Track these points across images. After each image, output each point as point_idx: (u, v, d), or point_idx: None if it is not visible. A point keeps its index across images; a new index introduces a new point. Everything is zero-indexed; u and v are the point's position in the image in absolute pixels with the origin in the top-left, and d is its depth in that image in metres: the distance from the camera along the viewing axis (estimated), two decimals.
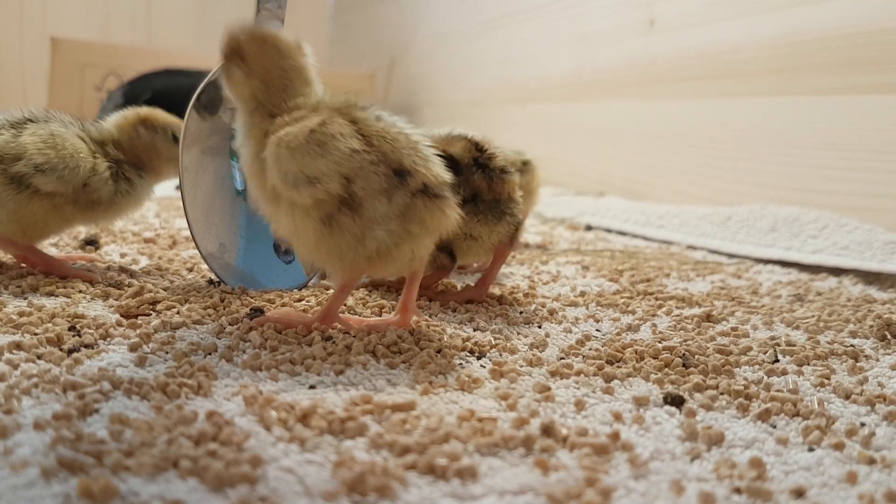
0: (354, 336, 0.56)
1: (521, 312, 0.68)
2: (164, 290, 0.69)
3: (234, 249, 0.73)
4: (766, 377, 0.53)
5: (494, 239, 0.70)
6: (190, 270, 0.78)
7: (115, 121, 0.75)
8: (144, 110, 0.76)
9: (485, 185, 0.69)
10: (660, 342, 0.60)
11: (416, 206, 0.54)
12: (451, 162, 0.63)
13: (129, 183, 0.73)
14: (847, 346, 0.61)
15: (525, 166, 0.97)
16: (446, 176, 0.56)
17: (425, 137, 0.57)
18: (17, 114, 0.71)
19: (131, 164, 0.74)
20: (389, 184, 0.53)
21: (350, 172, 0.53)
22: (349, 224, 0.53)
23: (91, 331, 0.55)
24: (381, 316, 0.64)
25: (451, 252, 0.70)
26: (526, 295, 0.74)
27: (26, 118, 0.71)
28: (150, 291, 0.67)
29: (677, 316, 0.69)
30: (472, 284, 0.73)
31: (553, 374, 0.52)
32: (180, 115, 0.73)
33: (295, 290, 0.71)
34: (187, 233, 1.03)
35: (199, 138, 0.72)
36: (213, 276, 0.72)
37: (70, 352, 0.51)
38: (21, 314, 0.58)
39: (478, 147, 0.70)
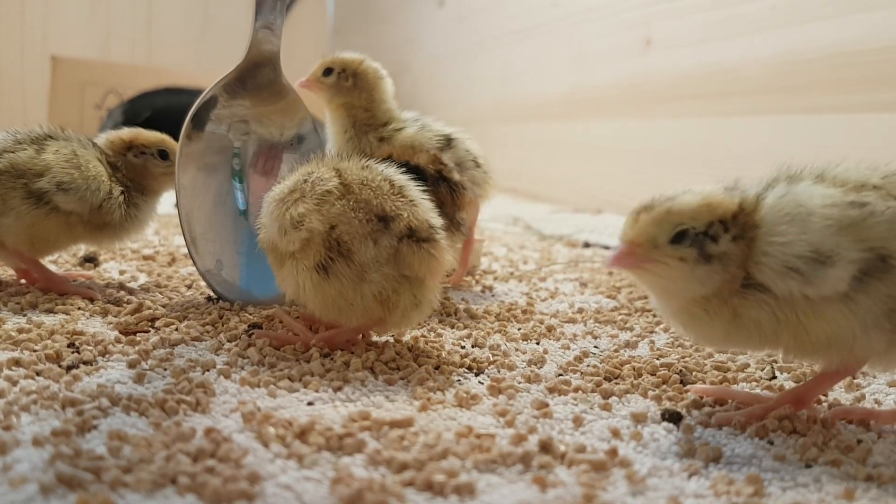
0: (352, 353, 0.56)
1: (519, 329, 0.68)
2: (163, 307, 0.69)
3: (233, 266, 0.72)
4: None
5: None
6: (189, 287, 0.78)
7: (104, 145, 0.75)
8: (127, 133, 0.77)
9: (449, 198, 0.73)
10: (658, 359, 0.60)
11: (403, 250, 0.54)
12: (417, 171, 0.69)
13: (137, 208, 0.74)
14: None
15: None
16: (434, 219, 0.57)
17: (412, 183, 0.58)
18: (38, 130, 0.72)
19: (136, 189, 0.75)
20: (373, 228, 0.55)
21: (331, 217, 0.54)
22: (343, 269, 0.54)
23: (90, 347, 0.55)
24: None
25: None
26: (524, 311, 0.74)
27: (47, 135, 0.72)
28: (149, 308, 0.67)
29: (675, 333, 0.69)
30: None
31: (551, 390, 0.52)
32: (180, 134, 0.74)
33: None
34: (186, 250, 1.03)
35: (195, 157, 0.72)
36: (212, 293, 0.72)
37: (69, 368, 0.51)
38: (20, 331, 0.59)
39: (441, 160, 0.74)
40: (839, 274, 0.42)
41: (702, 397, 0.51)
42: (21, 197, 0.68)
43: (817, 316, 0.43)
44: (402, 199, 0.56)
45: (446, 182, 0.74)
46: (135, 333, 0.60)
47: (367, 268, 0.54)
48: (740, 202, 0.46)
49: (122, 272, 0.84)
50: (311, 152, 0.71)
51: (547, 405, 0.48)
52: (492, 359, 0.58)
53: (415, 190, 0.58)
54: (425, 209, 0.57)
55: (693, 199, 0.45)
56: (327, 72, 0.82)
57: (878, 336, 0.43)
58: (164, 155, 0.75)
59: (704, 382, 0.55)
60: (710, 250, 0.44)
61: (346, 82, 0.82)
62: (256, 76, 0.74)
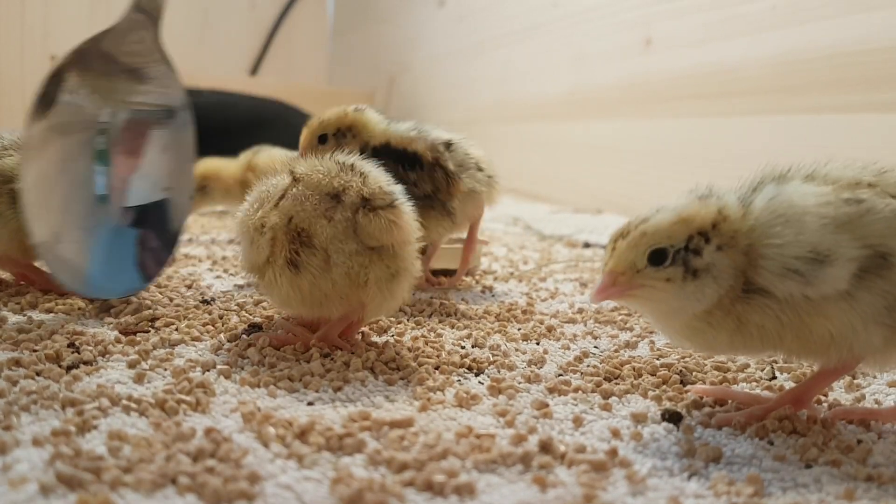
0: (352, 353, 0.56)
1: (519, 329, 0.68)
2: (163, 306, 0.69)
3: (72, 242, 0.67)
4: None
5: (435, 236, 0.78)
6: (189, 287, 0.78)
7: None
8: None
9: (444, 185, 0.76)
10: (658, 359, 0.60)
11: (360, 221, 0.55)
12: (414, 158, 0.75)
13: None
14: None
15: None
16: (388, 186, 0.57)
17: (364, 161, 0.59)
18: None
19: None
20: (326, 207, 0.55)
21: (286, 210, 0.55)
22: (309, 258, 0.54)
23: (90, 347, 0.55)
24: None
25: None
26: (524, 311, 0.74)
27: None
28: (149, 308, 0.67)
29: None
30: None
31: (551, 390, 0.52)
32: None
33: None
34: (184, 250, 1.03)
35: (49, 113, 0.65)
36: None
37: (69, 368, 0.51)
38: (20, 331, 0.59)
39: (440, 148, 0.77)
40: (839, 273, 0.42)
41: (702, 398, 0.51)
42: (7, 203, 0.69)
43: (820, 315, 0.43)
44: (350, 173, 0.57)
45: (442, 170, 0.76)
46: (135, 333, 0.60)
47: (330, 249, 0.54)
48: (718, 209, 0.45)
49: None
50: (181, 129, 0.70)
51: (547, 405, 0.48)
52: (492, 359, 0.58)
53: (366, 165, 0.58)
54: (377, 178, 0.57)
55: (666, 216, 0.45)
56: (322, 138, 0.80)
57: (877, 332, 0.43)
58: None
59: (704, 383, 0.55)
60: (696, 264, 0.44)
61: (345, 138, 0.81)
62: (127, 41, 0.68)
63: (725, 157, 1.32)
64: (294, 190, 0.56)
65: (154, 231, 0.72)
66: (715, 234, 0.44)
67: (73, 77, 0.65)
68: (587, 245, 1.31)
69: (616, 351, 0.63)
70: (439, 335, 0.65)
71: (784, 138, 1.21)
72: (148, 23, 0.68)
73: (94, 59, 0.67)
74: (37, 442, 0.39)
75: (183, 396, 0.46)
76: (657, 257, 0.44)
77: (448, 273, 0.91)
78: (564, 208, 1.71)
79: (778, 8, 1.21)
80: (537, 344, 0.64)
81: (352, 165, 0.57)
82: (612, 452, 0.41)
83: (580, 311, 0.76)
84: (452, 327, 0.68)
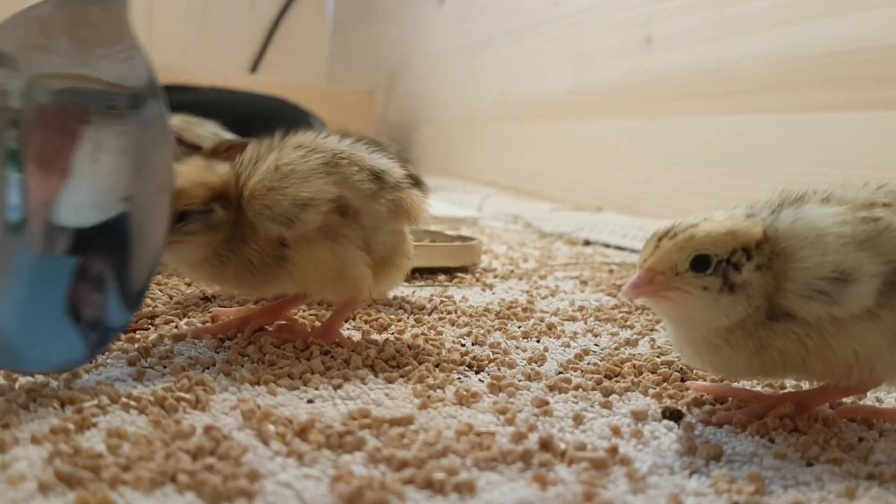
0: (352, 350, 0.56)
1: (519, 327, 0.68)
2: (163, 304, 0.69)
3: None
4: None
5: None
6: (188, 285, 0.78)
7: None
8: None
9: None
10: (658, 357, 0.60)
11: (400, 199, 0.57)
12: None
13: None
14: None
15: None
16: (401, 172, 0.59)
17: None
18: None
19: None
20: (372, 186, 0.56)
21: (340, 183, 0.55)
22: (352, 233, 0.56)
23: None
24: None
25: None
26: (524, 309, 0.74)
27: None
28: (149, 306, 0.67)
29: None
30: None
31: (551, 388, 0.52)
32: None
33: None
34: None
35: None
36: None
37: None
38: None
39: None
40: (864, 290, 0.42)
41: (702, 395, 0.51)
42: None
43: (845, 336, 0.43)
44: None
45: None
46: (134, 331, 0.60)
47: (373, 227, 0.57)
48: (764, 229, 0.44)
49: None
50: (149, 121, 0.50)
51: (547, 403, 0.48)
52: (492, 357, 0.58)
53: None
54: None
55: (716, 225, 0.44)
56: None
57: None
58: None
59: (705, 380, 0.55)
60: (734, 279, 0.43)
61: None
62: (82, 10, 0.48)
63: (726, 156, 1.32)
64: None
65: (105, 262, 0.49)
66: (757, 253, 0.44)
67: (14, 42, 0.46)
68: (587, 243, 1.31)
69: (616, 349, 0.62)
70: (439, 333, 0.65)
71: (785, 136, 1.21)
72: None
73: (27, 30, 0.47)
74: (35, 440, 0.39)
75: (182, 394, 0.46)
76: (700, 264, 0.43)
77: (448, 271, 0.91)
78: (564, 206, 1.71)
79: (778, 6, 1.21)
80: (538, 342, 0.64)
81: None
82: (613, 450, 0.41)
83: (581, 308, 0.76)
84: (453, 325, 0.68)
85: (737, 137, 1.30)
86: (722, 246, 0.44)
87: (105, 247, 0.49)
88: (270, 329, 0.61)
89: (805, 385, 0.51)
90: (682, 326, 0.46)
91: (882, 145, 1.04)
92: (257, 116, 1.76)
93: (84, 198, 0.49)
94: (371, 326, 0.65)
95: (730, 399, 0.51)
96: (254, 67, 2.71)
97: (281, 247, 0.55)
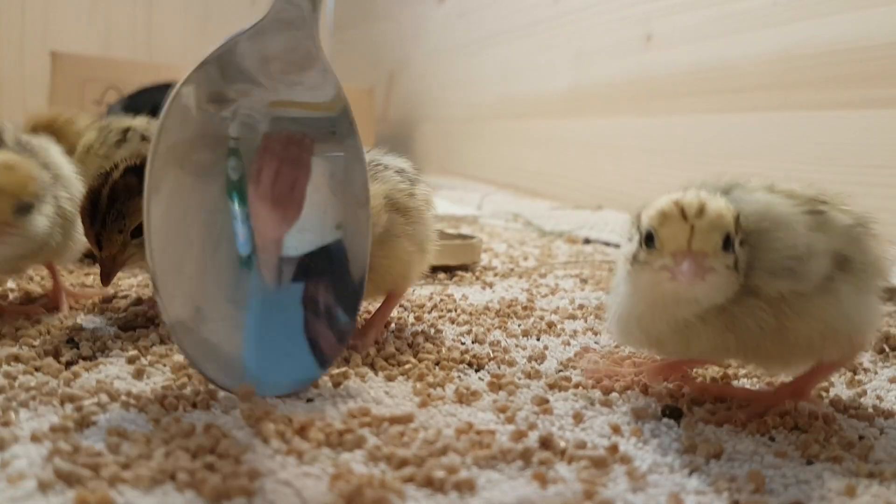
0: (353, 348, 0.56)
1: (519, 325, 0.68)
2: None
3: (223, 322, 0.47)
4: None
5: None
6: None
7: None
8: None
9: None
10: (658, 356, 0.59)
11: (427, 192, 0.63)
12: None
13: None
14: None
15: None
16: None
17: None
18: None
19: None
20: (407, 184, 0.61)
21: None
22: (411, 230, 0.60)
23: (89, 343, 0.55)
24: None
25: None
26: (524, 308, 0.74)
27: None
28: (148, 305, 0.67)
29: None
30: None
31: (551, 386, 0.52)
32: None
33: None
34: None
35: (179, 149, 0.46)
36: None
37: (68, 364, 0.51)
38: (19, 326, 0.58)
39: None
40: (820, 261, 0.44)
41: (702, 394, 0.51)
42: None
43: (808, 314, 0.44)
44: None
45: None
46: (134, 329, 0.60)
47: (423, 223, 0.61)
48: (735, 207, 0.45)
49: None
50: (347, 145, 0.50)
51: (547, 401, 0.48)
52: (492, 355, 0.58)
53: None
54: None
55: (722, 202, 0.44)
56: None
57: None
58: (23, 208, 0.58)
59: (705, 379, 0.55)
60: (739, 255, 0.43)
61: None
62: (274, 41, 0.49)
63: (727, 154, 1.32)
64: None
65: (326, 289, 0.50)
66: (738, 229, 0.44)
67: (200, 84, 0.47)
68: (587, 241, 1.31)
69: (617, 347, 0.62)
70: (439, 331, 0.65)
71: (785, 135, 1.20)
72: (300, 20, 0.49)
73: (231, 65, 0.48)
74: (35, 438, 0.39)
75: (182, 392, 0.46)
76: (727, 242, 0.43)
77: (448, 269, 0.91)
78: (565, 204, 1.70)
79: (779, 4, 1.21)
80: (538, 340, 0.64)
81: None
82: (613, 449, 0.41)
83: (581, 307, 0.76)
84: (453, 323, 0.68)
85: (737, 135, 1.30)
86: (733, 223, 0.43)
87: (325, 267, 0.50)
88: None
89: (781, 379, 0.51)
90: (677, 307, 0.45)
91: (882, 143, 1.04)
92: None
93: (306, 225, 0.49)
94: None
95: (729, 397, 0.51)
96: None
97: None
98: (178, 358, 0.53)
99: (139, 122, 0.93)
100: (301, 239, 0.49)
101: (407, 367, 0.54)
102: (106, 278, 0.60)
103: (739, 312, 0.44)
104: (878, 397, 0.53)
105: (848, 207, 0.47)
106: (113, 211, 0.58)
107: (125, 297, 0.70)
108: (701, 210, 0.43)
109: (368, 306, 0.67)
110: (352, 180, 0.51)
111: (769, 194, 0.47)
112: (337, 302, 0.50)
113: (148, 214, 0.44)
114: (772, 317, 0.44)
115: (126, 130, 0.90)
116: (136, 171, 0.59)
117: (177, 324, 0.44)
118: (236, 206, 0.47)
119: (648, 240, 0.44)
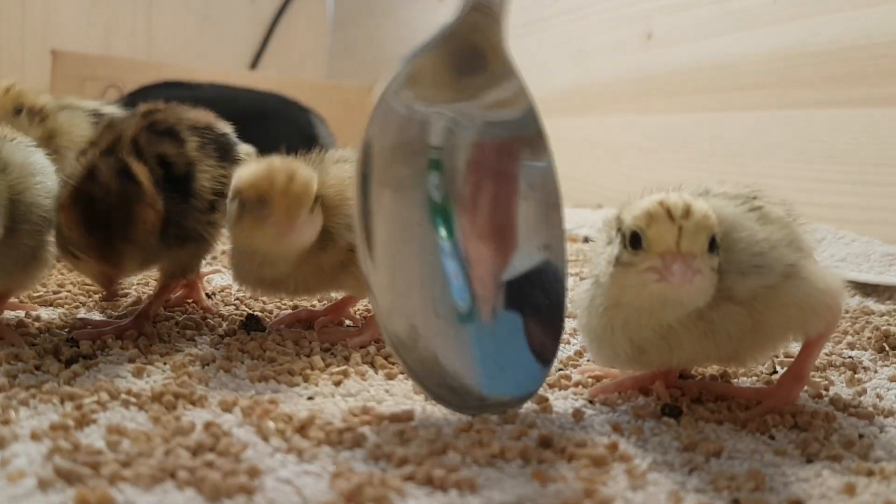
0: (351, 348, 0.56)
1: None
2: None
3: (432, 336, 0.44)
4: None
5: None
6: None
7: None
8: None
9: None
10: None
11: None
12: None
13: None
14: (845, 358, 0.61)
15: None
16: None
17: None
18: None
19: None
20: None
21: None
22: None
23: (89, 342, 0.55)
24: None
25: None
26: None
27: None
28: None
29: None
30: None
31: (551, 385, 0.52)
32: None
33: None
34: None
35: (386, 167, 0.43)
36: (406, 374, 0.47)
37: (68, 363, 0.51)
38: (19, 325, 0.58)
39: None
40: (782, 251, 0.45)
41: (702, 392, 0.51)
42: None
43: (780, 300, 0.45)
44: None
45: None
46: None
47: None
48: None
49: None
50: (542, 156, 0.48)
51: (547, 400, 0.48)
52: None
53: None
54: None
55: (704, 203, 0.43)
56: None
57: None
58: None
59: (705, 377, 0.55)
60: (720, 258, 0.43)
61: None
62: (463, 46, 0.48)
63: (726, 152, 1.32)
64: None
65: (535, 307, 0.47)
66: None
67: (416, 82, 0.45)
68: (587, 240, 1.31)
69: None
70: None
71: (786, 133, 1.20)
72: (486, 25, 0.49)
73: (428, 71, 0.46)
74: (35, 436, 0.39)
75: (182, 390, 0.46)
76: (712, 243, 0.42)
77: None
78: (564, 203, 1.71)
79: (779, 2, 1.21)
80: None
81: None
82: (613, 447, 0.41)
83: None
84: None
85: (737, 134, 1.30)
86: (716, 225, 0.43)
87: (533, 290, 0.47)
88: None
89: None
90: (663, 310, 0.44)
91: (883, 142, 1.04)
92: (257, 113, 1.76)
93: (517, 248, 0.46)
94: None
95: (729, 396, 0.51)
96: (254, 64, 2.71)
97: (350, 252, 0.55)
98: (179, 356, 0.53)
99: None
100: (514, 265, 0.46)
101: None
102: (112, 293, 0.55)
103: (717, 318, 0.44)
104: (878, 396, 0.53)
105: (775, 199, 0.49)
106: (117, 216, 0.52)
107: (125, 295, 0.70)
108: (687, 211, 0.42)
109: (368, 304, 0.67)
110: (546, 184, 0.48)
111: (711, 199, 0.47)
112: (546, 316, 0.47)
113: (368, 238, 0.41)
114: (747, 318, 0.45)
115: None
116: (122, 170, 0.53)
117: (397, 343, 0.42)
118: (443, 236, 0.44)
119: (634, 241, 0.42)
